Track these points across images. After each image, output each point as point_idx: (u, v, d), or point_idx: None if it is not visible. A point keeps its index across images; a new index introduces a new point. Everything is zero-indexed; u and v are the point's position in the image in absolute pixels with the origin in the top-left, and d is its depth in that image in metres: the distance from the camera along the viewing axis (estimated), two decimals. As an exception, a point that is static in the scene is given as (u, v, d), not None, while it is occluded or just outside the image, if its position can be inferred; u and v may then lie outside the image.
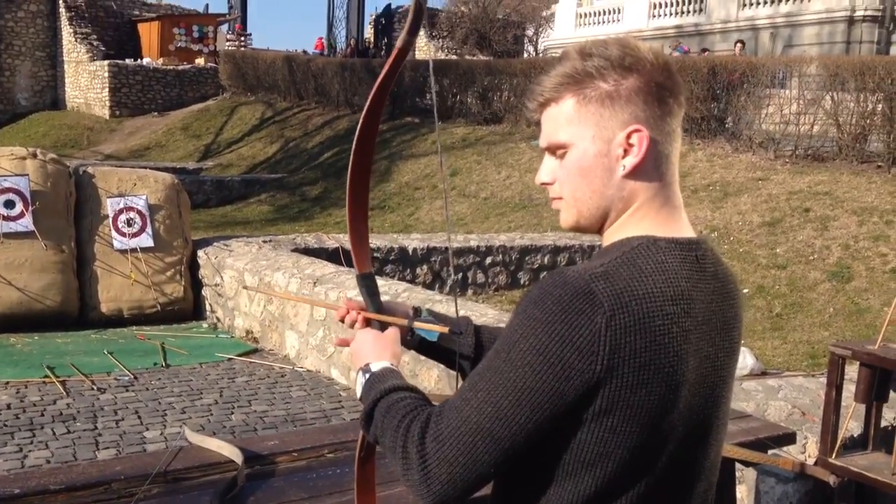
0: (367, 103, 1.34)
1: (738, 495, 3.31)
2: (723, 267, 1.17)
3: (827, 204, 8.49)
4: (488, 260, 8.06)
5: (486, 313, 4.92)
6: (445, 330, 1.40)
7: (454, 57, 22.10)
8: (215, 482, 2.01)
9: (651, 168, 1.11)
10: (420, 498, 1.07)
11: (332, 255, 7.00)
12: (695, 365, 1.07)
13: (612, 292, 1.02)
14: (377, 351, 1.28)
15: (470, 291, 7.95)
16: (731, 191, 9.39)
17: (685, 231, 1.15)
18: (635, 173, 1.11)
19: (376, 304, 1.39)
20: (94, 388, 5.10)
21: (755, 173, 9.65)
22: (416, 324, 1.41)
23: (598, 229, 1.16)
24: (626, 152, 1.10)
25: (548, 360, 1.01)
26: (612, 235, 1.14)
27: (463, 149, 13.57)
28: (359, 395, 1.25)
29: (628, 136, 1.09)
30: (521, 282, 8.15)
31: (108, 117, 21.58)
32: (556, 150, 1.15)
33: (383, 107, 1.38)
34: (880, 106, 9.13)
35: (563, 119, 1.13)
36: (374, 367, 1.25)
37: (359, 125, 1.35)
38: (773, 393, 3.66)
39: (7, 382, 5.10)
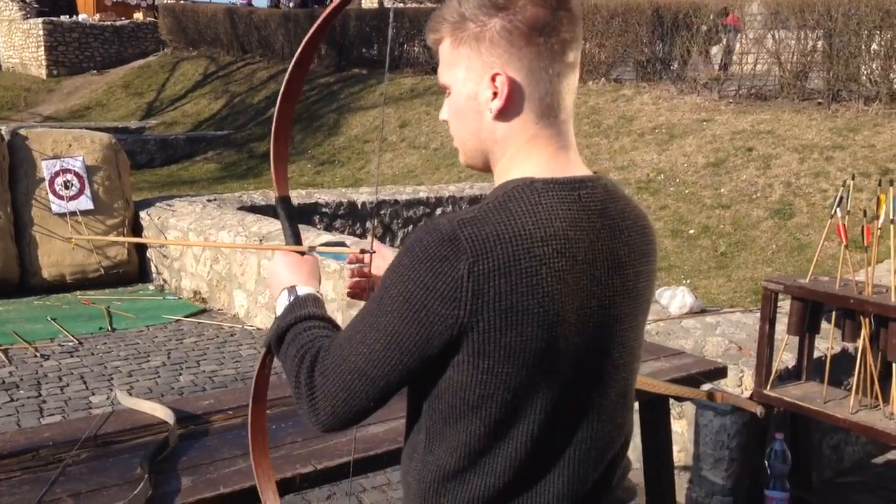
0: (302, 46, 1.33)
1: (679, 430, 3.40)
2: (619, 203, 1.14)
3: (769, 143, 8.60)
4: (438, 210, 8.04)
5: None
6: (354, 251, 1.43)
7: (401, 5, 21.71)
8: (147, 444, 1.99)
9: (522, 110, 1.10)
10: (309, 425, 1.16)
11: (279, 211, 6.91)
12: (575, 305, 1.06)
13: (476, 237, 1.02)
14: (304, 276, 1.32)
15: (421, 242, 7.93)
16: (677, 133, 9.46)
17: (573, 170, 1.12)
18: (503, 116, 1.10)
19: (293, 226, 1.43)
20: (38, 355, 5.02)
21: (700, 115, 9.72)
22: (321, 248, 1.42)
23: (490, 171, 1.17)
24: (494, 95, 1.09)
25: (413, 307, 1.04)
26: (497, 178, 1.15)
27: (411, 99, 13.42)
28: (278, 312, 1.28)
29: (492, 80, 1.09)
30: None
31: (45, 77, 20.85)
32: (444, 90, 1.16)
33: (314, 50, 1.38)
34: (820, 43, 9.22)
35: (443, 60, 1.15)
36: (301, 291, 1.29)
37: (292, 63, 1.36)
38: (711, 330, 3.75)
39: (-54, 353, 4.99)
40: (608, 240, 1.11)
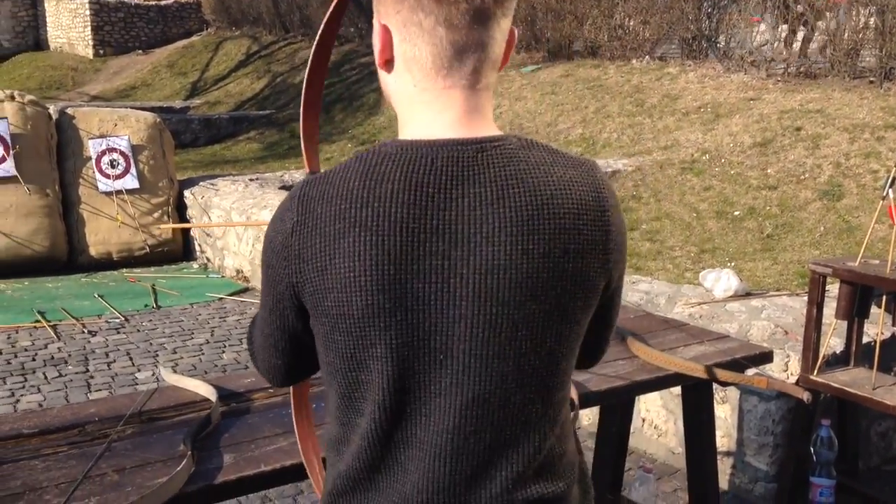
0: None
1: (722, 415, 3.35)
2: (506, 170, 1.01)
3: (819, 122, 8.39)
4: (478, 190, 8.02)
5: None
6: None
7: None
8: (190, 421, 2.02)
9: (397, 65, 1.05)
10: None
11: (320, 191, 6.95)
12: (399, 274, 0.98)
13: (306, 196, 1.02)
14: None
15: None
16: (723, 112, 9.27)
17: (457, 132, 1.02)
18: (384, 67, 1.07)
19: None
20: (85, 331, 5.13)
21: (747, 93, 9.51)
22: None
23: None
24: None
25: (264, 265, 1.09)
26: None
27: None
28: None
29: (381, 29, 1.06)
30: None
31: (91, 57, 21.16)
32: None
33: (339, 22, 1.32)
34: (872, 20, 8.94)
35: None
36: None
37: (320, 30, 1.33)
38: (756, 313, 3.67)
39: (-2, 328, 5.12)
40: (461, 209, 0.99)
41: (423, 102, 1.04)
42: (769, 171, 7.97)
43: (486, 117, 1.06)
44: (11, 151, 6.42)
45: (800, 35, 10.15)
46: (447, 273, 0.99)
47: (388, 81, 1.09)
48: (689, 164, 8.49)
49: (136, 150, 6.90)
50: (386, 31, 1.04)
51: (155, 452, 1.85)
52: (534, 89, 11.32)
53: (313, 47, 1.33)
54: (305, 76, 1.37)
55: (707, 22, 10.74)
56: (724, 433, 3.34)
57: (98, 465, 1.77)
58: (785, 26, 10.03)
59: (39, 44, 23.33)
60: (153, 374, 4.47)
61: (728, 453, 3.37)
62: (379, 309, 0.99)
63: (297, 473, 1.79)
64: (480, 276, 0.99)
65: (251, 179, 7.25)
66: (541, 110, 10.80)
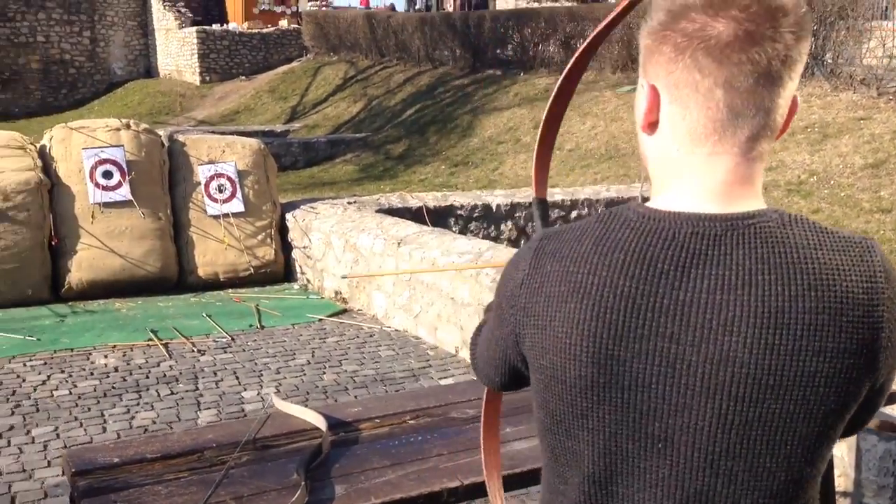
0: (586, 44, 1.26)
1: (838, 454, 3.20)
2: (768, 253, 0.91)
3: (937, 142, 7.97)
4: (573, 214, 7.95)
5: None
6: None
7: (535, 5, 21.63)
8: (301, 449, 2.07)
9: (661, 128, 0.99)
10: None
11: (416, 215, 7.04)
12: (620, 350, 0.94)
13: (541, 250, 1.01)
14: None
15: (556, 246, 7.86)
16: (831, 132, 8.92)
17: (712, 204, 0.95)
18: (647, 129, 1.01)
19: (546, 226, 1.50)
20: (195, 350, 5.33)
21: (856, 112, 9.13)
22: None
23: None
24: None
25: (497, 299, 1.10)
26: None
27: (546, 100, 13.28)
28: None
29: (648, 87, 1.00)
30: (608, 234, 8.00)
31: (198, 83, 22.16)
32: None
33: (592, 52, 1.30)
34: None
35: None
36: None
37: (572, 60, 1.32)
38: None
39: (114, 346, 5.38)
40: (698, 291, 0.92)
41: (683, 168, 0.97)
42: (882, 193, 7.61)
43: (753, 189, 0.96)
44: (127, 177, 6.77)
45: None
46: (673, 358, 0.92)
47: (649, 145, 1.02)
48: (796, 186, 8.20)
49: (241, 175, 7.16)
50: (654, 92, 0.98)
51: (270, 480, 1.91)
52: (630, 110, 11.15)
53: (559, 82, 1.30)
54: (548, 106, 1.34)
55: (813, 40, 10.38)
56: (841, 472, 3.19)
57: (217, 491, 1.84)
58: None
59: (150, 71, 24.62)
60: (258, 394, 4.61)
61: (845, 493, 3.22)
62: (593, 382, 0.95)
63: (406, 508, 1.81)
64: (712, 367, 0.91)
65: (349, 202, 7.41)
66: (637, 132, 10.64)
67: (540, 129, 1.33)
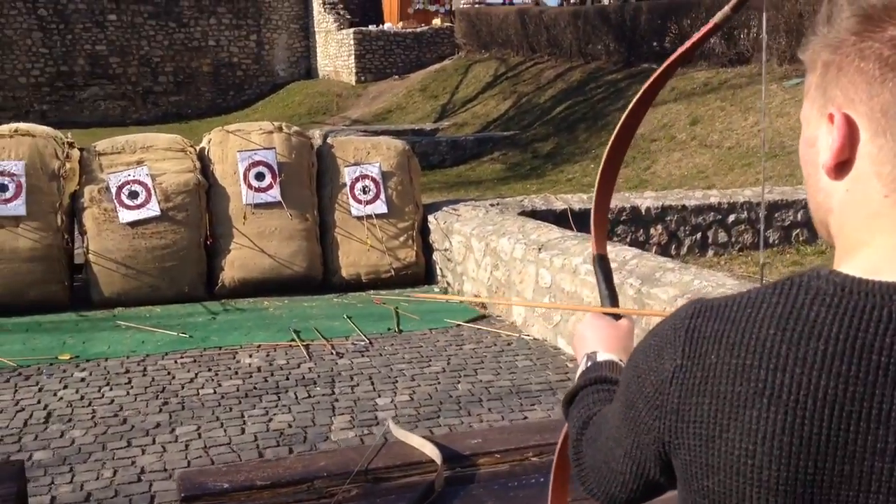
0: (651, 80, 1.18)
1: None
2: None
3: None
4: (731, 218, 7.45)
5: (724, 283, 4.50)
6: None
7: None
8: (414, 485, 1.96)
9: (857, 168, 0.77)
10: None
11: (560, 218, 6.82)
12: (816, 475, 0.72)
13: (698, 334, 0.78)
14: (610, 341, 1.21)
15: (710, 252, 7.41)
16: None
17: None
18: (837, 174, 0.79)
19: (610, 286, 1.35)
20: (334, 352, 5.38)
21: None
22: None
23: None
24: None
25: (626, 400, 0.88)
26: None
27: (704, 94, 12.67)
28: (576, 379, 1.22)
29: (830, 119, 0.79)
30: (771, 240, 7.45)
31: (354, 83, 22.81)
32: None
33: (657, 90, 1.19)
34: None
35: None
36: (600, 357, 1.19)
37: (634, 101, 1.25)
38: None
39: (259, 345, 5.53)
40: None
41: (892, 220, 0.76)
42: None
43: None
44: (278, 179, 6.97)
45: None
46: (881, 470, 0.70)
47: (833, 190, 0.80)
48: None
49: (385, 176, 7.20)
50: (848, 123, 0.77)
51: (377, 520, 1.81)
52: (797, 105, 10.38)
53: (622, 119, 1.21)
54: (606, 151, 1.26)
55: None
56: None
57: (321, 529, 1.76)
58: None
59: (310, 72, 25.61)
60: (391, 401, 4.58)
61: None
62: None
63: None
64: None
65: (492, 204, 7.29)
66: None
67: (598, 179, 1.16)
